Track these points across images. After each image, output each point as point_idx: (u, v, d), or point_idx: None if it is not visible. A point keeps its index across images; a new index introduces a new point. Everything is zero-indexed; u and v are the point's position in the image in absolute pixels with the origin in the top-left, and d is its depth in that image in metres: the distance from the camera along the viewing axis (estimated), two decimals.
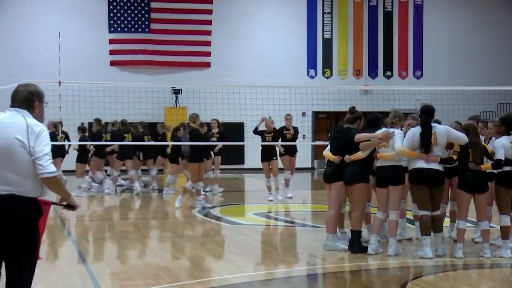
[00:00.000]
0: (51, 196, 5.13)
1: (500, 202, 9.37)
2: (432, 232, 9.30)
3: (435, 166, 9.17)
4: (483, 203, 9.37)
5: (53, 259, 9.42)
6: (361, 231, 9.69)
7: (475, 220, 10.03)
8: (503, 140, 9.31)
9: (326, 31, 28.14)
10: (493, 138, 9.65)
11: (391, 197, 9.40)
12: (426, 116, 9.33)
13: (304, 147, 26.41)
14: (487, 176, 9.34)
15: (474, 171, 9.20)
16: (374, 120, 9.84)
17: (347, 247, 9.68)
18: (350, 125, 9.83)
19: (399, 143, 9.26)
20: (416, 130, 9.27)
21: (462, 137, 9.25)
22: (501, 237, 9.40)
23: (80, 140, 18.33)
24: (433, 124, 9.32)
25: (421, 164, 9.16)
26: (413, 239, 10.44)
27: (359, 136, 9.53)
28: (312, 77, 27.95)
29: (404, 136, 9.41)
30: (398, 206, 9.46)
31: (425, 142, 9.15)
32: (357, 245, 9.58)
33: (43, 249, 10.28)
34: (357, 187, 9.52)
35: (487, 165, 9.23)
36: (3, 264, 5.07)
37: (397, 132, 9.40)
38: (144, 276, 8.25)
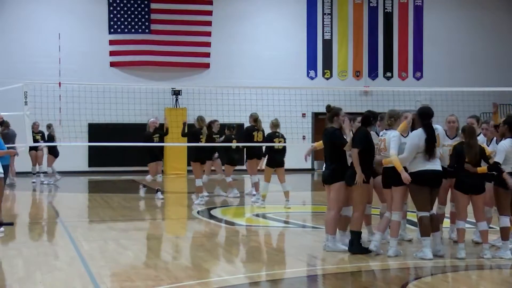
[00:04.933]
0: None
1: (500, 203, 9.37)
2: (431, 232, 9.31)
3: (438, 167, 9.20)
4: (480, 204, 9.38)
5: (53, 260, 9.41)
6: (361, 232, 9.68)
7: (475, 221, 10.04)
8: (508, 143, 9.28)
9: (326, 32, 28.14)
10: (495, 139, 9.68)
11: (393, 198, 9.40)
12: (428, 119, 9.33)
13: (304, 148, 26.42)
14: (484, 177, 9.35)
15: (470, 172, 9.22)
16: (367, 117, 9.74)
17: (347, 249, 9.68)
18: (332, 125, 9.78)
19: (394, 150, 9.25)
20: (421, 134, 9.21)
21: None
22: (501, 238, 9.40)
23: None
24: (434, 126, 9.36)
25: (427, 166, 9.15)
26: (413, 240, 10.43)
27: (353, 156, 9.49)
28: (312, 78, 27.95)
29: (404, 138, 9.42)
30: (400, 207, 9.45)
31: (431, 148, 9.16)
32: (356, 246, 9.57)
33: (42, 250, 10.31)
34: (356, 188, 9.52)
35: (483, 168, 9.23)
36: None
37: (392, 135, 9.37)
38: (144, 277, 8.26)
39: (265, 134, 15.77)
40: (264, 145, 15.59)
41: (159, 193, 16.56)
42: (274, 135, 15.02)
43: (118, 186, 21.80)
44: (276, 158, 14.96)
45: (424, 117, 9.35)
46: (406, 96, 23.63)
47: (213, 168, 17.20)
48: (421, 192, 9.24)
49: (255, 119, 16.20)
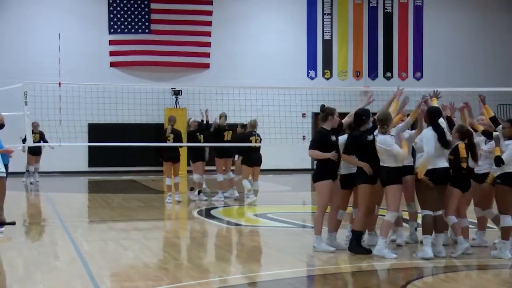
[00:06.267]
0: None
1: (504, 202, 9.29)
2: (434, 232, 9.32)
3: (446, 164, 9.26)
4: (467, 201, 9.65)
5: (53, 260, 9.42)
6: (362, 232, 9.64)
7: (475, 220, 10.05)
8: None
9: (326, 32, 28.14)
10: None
11: (388, 197, 9.36)
12: (437, 119, 9.39)
13: (304, 148, 26.41)
14: (483, 176, 9.50)
15: (468, 171, 9.33)
16: (359, 115, 9.67)
17: (334, 250, 9.65)
18: (324, 125, 9.73)
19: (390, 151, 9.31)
20: (434, 134, 9.25)
21: None
22: (501, 238, 9.38)
23: None
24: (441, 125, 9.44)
25: (436, 164, 9.18)
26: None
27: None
28: (312, 78, 27.95)
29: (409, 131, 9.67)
30: (396, 208, 9.38)
31: (447, 144, 9.26)
32: (355, 246, 9.53)
33: (42, 250, 10.31)
34: (360, 188, 9.49)
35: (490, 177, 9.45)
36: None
37: (379, 142, 9.31)
38: (144, 277, 8.26)
39: (244, 133, 15.98)
40: (239, 145, 15.94)
41: (201, 194, 16.28)
42: (251, 134, 15.45)
43: (118, 186, 21.80)
44: (253, 157, 15.47)
45: (434, 116, 9.38)
46: (406, 96, 23.58)
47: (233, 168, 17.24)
48: (429, 191, 9.22)
49: (226, 118, 16.43)
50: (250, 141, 15.39)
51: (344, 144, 9.64)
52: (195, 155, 16.37)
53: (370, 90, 12.18)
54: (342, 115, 10.04)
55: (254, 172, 15.62)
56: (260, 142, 15.64)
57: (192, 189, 16.39)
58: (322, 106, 9.95)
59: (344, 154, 9.55)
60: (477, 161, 9.47)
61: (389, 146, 9.20)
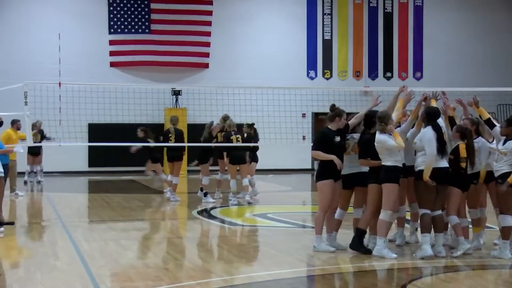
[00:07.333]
0: None
1: (505, 202, 9.28)
2: (434, 232, 9.32)
3: (446, 164, 9.26)
4: (464, 200, 9.66)
5: (53, 260, 9.41)
6: (365, 232, 9.61)
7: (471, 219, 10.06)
8: None
9: (326, 32, 28.13)
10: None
11: (384, 196, 9.31)
12: (435, 120, 9.39)
13: (304, 148, 26.44)
14: (471, 176, 9.53)
15: (467, 170, 9.34)
16: (369, 117, 9.66)
17: (334, 250, 9.66)
18: (330, 124, 9.68)
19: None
20: (433, 134, 9.27)
21: None
22: (501, 238, 9.38)
23: None
24: (440, 125, 9.40)
25: (443, 163, 9.20)
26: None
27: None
28: (312, 78, 27.94)
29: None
30: (390, 206, 9.32)
31: (444, 147, 9.24)
32: (357, 244, 9.54)
33: (42, 250, 10.30)
34: (370, 187, 9.46)
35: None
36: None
37: (376, 143, 9.31)
38: (144, 278, 8.26)
39: (224, 135, 16.07)
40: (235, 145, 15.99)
41: (208, 195, 16.16)
42: (230, 135, 15.67)
43: (118, 186, 21.80)
44: (235, 155, 15.64)
45: (431, 117, 9.38)
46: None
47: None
48: (427, 190, 9.22)
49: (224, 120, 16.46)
50: (231, 141, 15.54)
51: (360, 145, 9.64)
52: (202, 156, 16.41)
53: (371, 90, 12.15)
54: None
55: (240, 170, 15.77)
56: (242, 141, 15.72)
57: (205, 193, 16.33)
58: (333, 106, 9.93)
59: (361, 159, 9.54)
60: (474, 164, 9.45)
61: (385, 143, 9.21)
